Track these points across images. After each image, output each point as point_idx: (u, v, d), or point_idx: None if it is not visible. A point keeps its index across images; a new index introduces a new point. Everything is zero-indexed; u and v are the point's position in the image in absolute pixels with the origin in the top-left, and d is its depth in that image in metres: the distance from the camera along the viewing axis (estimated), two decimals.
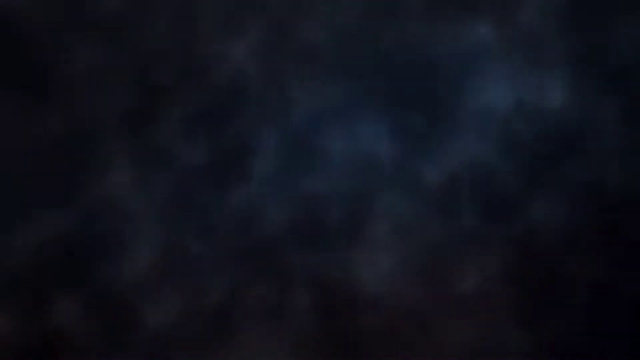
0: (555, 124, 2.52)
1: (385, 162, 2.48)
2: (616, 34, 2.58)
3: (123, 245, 2.37)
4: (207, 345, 2.35)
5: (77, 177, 2.35)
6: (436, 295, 2.42)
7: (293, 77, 2.45)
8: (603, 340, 2.41)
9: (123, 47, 2.38)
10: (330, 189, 2.45)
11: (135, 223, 2.37)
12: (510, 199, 2.48)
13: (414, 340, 2.38)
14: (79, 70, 2.35)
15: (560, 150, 2.52)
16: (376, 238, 2.44)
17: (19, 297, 2.29)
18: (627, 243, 2.45)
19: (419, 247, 2.44)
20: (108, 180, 2.37)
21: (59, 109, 2.34)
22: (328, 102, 2.46)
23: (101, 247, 2.35)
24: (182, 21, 2.39)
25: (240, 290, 2.38)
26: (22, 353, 2.27)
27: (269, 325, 2.37)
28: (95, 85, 2.35)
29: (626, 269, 2.44)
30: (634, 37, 2.57)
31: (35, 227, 2.32)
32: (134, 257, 2.36)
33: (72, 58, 2.34)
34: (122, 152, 2.38)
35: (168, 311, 2.35)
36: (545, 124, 2.52)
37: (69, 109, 2.34)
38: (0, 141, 2.29)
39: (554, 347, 2.40)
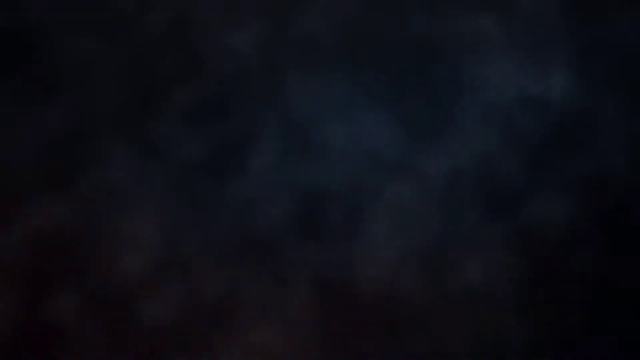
0: (558, 116, 2.53)
1: (387, 156, 2.49)
2: (620, 25, 2.58)
3: (121, 240, 2.37)
4: (206, 341, 2.34)
5: (75, 171, 2.35)
6: (438, 290, 2.42)
7: (293, 69, 2.46)
8: (605, 336, 2.40)
9: (121, 39, 2.38)
10: (331, 183, 2.45)
11: (134, 218, 2.37)
12: (513, 192, 2.49)
13: (415, 335, 2.38)
14: (76, 63, 2.35)
15: (564, 143, 2.52)
16: (377, 233, 2.44)
17: (15, 293, 2.29)
18: (632, 237, 2.46)
19: (421, 242, 2.44)
20: (106, 175, 2.37)
21: (56, 102, 2.34)
22: (329, 94, 2.47)
23: (99, 242, 2.35)
24: (180, 13, 2.39)
25: (240, 286, 2.38)
26: (18, 349, 2.28)
27: (268, 322, 2.37)
28: (93, 78, 2.35)
29: (631, 263, 2.44)
30: (638, 28, 2.57)
31: (31, 222, 2.33)
32: (131, 252, 2.36)
33: (70, 50, 2.34)
34: (120, 146, 2.37)
35: (166, 307, 2.35)
36: (548, 116, 2.52)
37: (67, 102, 2.34)
38: None
39: (556, 342, 2.40)
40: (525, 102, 2.52)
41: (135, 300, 2.35)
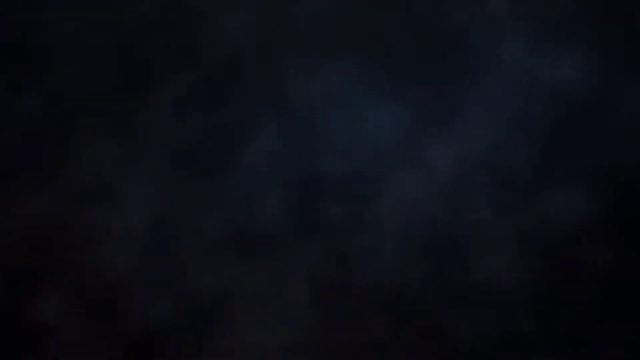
0: (573, 105, 2.52)
1: (391, 147, 2.47)
2: (637, 10, 2.57)
3: (109, 235, 2.38)
4: (200, 341, 2.35)
5: (60, 163, 2.37)
6: (444, 288, 2.41)
7: (293, 55, 2.46)
8: (620, 336, 2.39)
9: (110, 23, 2.40)
10: (333, 175, 2.45)
11: (123, 212, 2.38)
12: (525, 185, 2.48)
13: (420, 334, 2.37)
14: (62, 48, 2.37)
15: (579, 133, 2.51)
16: (380, 228, 2.43)
17: None
18: None
19: (426, 238, 2.44)
20: (93, 167, 2.39)
21: (40, 90, 2.36)
22: (329, 81, 2.45)
23: (85, 238, 2.37)
24: None
25: (236, 284, 2.38)
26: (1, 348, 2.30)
27: (266, 321, 2.37)
28: (79, 65, 2.37)
29: None
30: None
31: (13, 217, 2.35)
32: (120, 248, 2.37)
33: (56, 36, 2.36)
34: (108, 136, 2.39)
35: (157, 306, 2.36)
36: (562, 104, 2.52)
37: (51, 89, 2.36)
38: None
39: (569, 342, 2.39)
40: (537, 90, 2.52)
41: (125, 299, 2.35)
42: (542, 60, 2.53)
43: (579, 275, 2.41)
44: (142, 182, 2.39)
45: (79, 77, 2.37)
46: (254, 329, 2.35)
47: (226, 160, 2.42)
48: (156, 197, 2.39)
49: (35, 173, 2.35)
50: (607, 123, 2.51)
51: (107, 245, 2.35)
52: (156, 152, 2.40)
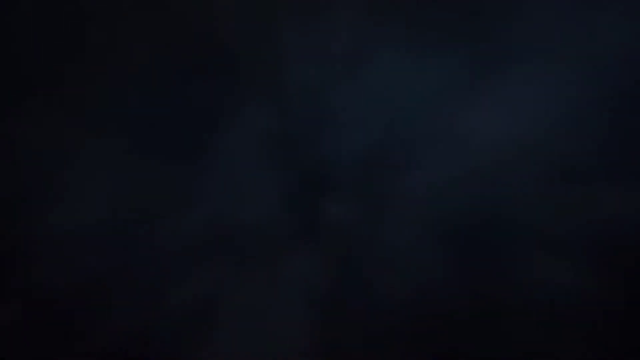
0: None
1: (414, 125, 2.39)
2: None
3: (62, 233, 2.32)
4: (180, 352, 2.26)
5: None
6: (477, 297, 2.30)
7: (289, 12, 2.41)
8: None
9: None
10: (338, 163, 2.37)
11: (87, 207, 2.33)
12: (583, 174, 2.37)
13: (431, 346, 2.26)
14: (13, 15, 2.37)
15: None
16: (397, 225, 2.34)
17: None
18: None
19: (455, 236, 2.34)
20: (42, 151, 2.37)
21: None
22: (336, 44, 2.40)
23: (35, 237, 2.31)
24: None
25: (221, 291, 2.31)
26: None
27: (257, 325, 2.28)
28: (21, 19, 2.34)
29: None
30: None
31: None
32: (85, 247, 2.31)
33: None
34: (58, 112, 2.35)
35: (125, 318, 2.27)
36: (628, 81, 2.40)
37: None
38: None
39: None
40: (601, 62, 2.36)
41: (86, 311, 2.29)
42: (605, 25, 2.40)
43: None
44: (106, 168, 2.33)
45: (22, 33, 2.33)
46: (243, 337, 2.24)
47: (208, 144, 2.36)
48: (120, 186, 2.33)
49: None
50: None
51: (69, 246, 2.29)
52: (121, 132, 2.35)
